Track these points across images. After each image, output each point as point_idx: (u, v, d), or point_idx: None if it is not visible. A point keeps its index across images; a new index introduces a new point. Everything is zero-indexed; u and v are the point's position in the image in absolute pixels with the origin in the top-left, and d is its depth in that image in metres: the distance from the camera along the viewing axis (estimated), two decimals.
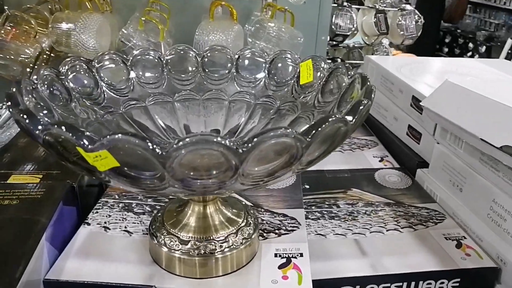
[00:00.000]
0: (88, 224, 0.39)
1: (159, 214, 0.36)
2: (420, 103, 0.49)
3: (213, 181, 0.23)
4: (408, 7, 1.25)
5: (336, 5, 1.19)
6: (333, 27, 1.15)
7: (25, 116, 0.23)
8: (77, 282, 0.32)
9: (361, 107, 0.25)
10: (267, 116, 0.40)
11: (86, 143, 0.21)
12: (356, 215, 0.44)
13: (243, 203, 0.39)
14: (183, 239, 0.33)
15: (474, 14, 3.24)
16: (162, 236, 0.34)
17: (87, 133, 0.21)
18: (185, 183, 0.23)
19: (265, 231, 0.38)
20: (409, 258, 0.38)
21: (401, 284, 0.37)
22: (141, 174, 0.23)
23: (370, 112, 0.67)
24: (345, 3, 1.20)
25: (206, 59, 0.44)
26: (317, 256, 0.37)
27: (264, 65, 0.43)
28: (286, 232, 0.38)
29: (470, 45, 2.98)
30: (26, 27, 0.75)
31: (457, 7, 2.99)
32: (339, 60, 1.16)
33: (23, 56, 0.73)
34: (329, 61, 1.16)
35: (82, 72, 0.38)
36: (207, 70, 0.44)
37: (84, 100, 0.37)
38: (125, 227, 0.39)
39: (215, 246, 0.33)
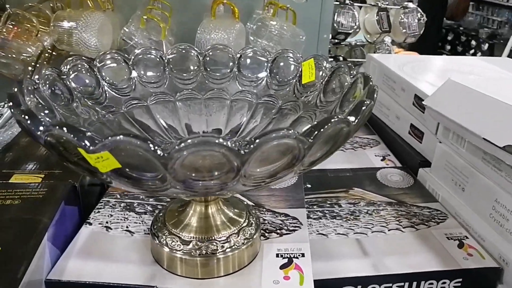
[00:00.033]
0: (90, 224, 0.39)
1: (161, 214, 0.36)
2: (423, 102, 0.48)
3: (215, 182, 0.23)
4: (410, 5, 1.24)
5: (338, 3, 1.19)
6: (335, 25, 1.15)
7: (26, 117, 0.23)
8: (78, 282, 0.32)
9: (363, 108, 0.25)
10: (269, 116, 0.40)
11: (88, 144, 0.21)
12: (358, 215, 0.44)
13: (245, 203, 0.39)
14: (184, 239, 0.33)
15: (477, 12, 3.23)
16: (164, 236, 0.34)
17: (89, 134, 0.21)
18: (187, 184, 0.23)
19: (267, 231, 0.38)
20: (410, 258, 0.38)
21: (402, 284, 0.37)
22: (143, 175, 0.23)
23: (372, 111, 0.67)
24: (347, 1, 1.19)
25: (207, 58, 0.44)
26: (319, 256, 0.37)
27: (266, 64, 0.43)
28: (287, 232, 0.38)
29: (473, 42, 2.97)
30: (28, 25, 0.75)
31: (459, 5, 2.98)
32: (341, 58, 1.16)
33: (25, 54, 0.73)
34: (331, 59, 1.16)
35: (84, 72, 0.38)
36: (208, 69, 0.44)
37: (85, 99, 0.37)
38: (127, 227, 0.39)
39: (217, 246, 0.33)
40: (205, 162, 0.22)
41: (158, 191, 0.24)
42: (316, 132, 0.22)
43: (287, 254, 0.35)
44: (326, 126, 0.22)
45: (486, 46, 2.86)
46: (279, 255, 0.35)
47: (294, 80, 0.41)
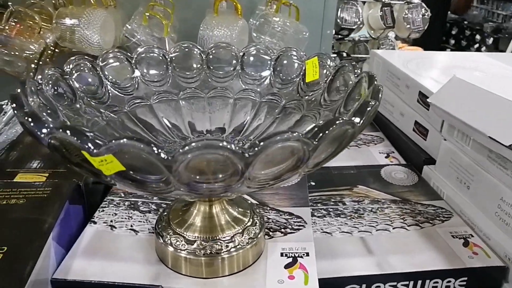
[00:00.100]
0: (95, 222, 0.39)
1: (165, 213, 0.36)
2: (427, 100, 0.48)
3: (219, 185, 0.23)
4: (414, 0, 1.23)
5: None
6: (338, 20, 1.14)
7: (29, 119, 0.23)
8: (84, 282, 0.32)
9: (368, 108, 0.25)
10: (273, 114, 0.40)
11: (92, 147, 0.21)
12: (362, 213, 0.44)
13: (249, 202, 0.39)
14: (189, 239, 0.33)
15: (481, 5, 3.20)
16: (168, 236, 0.34)
17: (92, 137, 0.21)
18: (191, 186, 0.23)
19: (271, 230, 0.38)
20: (415, 256, 0.38)
21: (407, 282, 0.37)
22: (147, 178, 0.23)
23: None
24: None
25: (211, 56, 0.43)
26: (323, 255, 0.37)
27: (269, 62, 0.43)
28: (292, 231, 0.38)
29: (477, 37, 2.95)
30: (30, 22, 0.75)
31: None
32: (344, 54, 1.15)
33: (27, 52, 0.73)
34: (334, 55, 1.16)
35: (87, 71, 0.38)
36: (212, 68, 0.43)
37: (88, 99, 0.37)
38: (131, 226, 0.39)
39: (221, 246, 0.33)
40: (209, 165, 0.22)
41: (162, 193, 0.24)
42: (321, 134, 0.22)
43: (292, 253, 0.35)
44: (331, 128, 0.22)
45: (490, 40, 2.83)
46: (284, 254, 0.35)
47: (298, 79, 0.41)
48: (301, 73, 0.41)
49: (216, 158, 0.21)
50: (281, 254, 0.35)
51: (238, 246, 0.33)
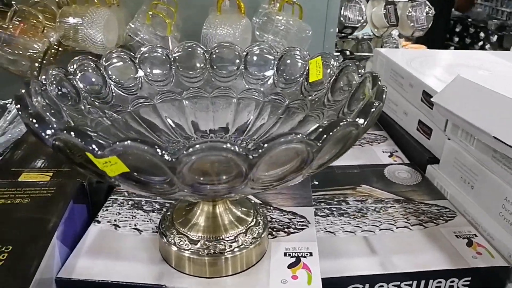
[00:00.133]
0: (98, 222, 0.39)
1: (169, 212, 0.36)
2: (431, 99, 0.48)
3: (223, 186, 0.23)
4: None
5: None
6: (342, 19, 1.14)
7: (34, 121, 0.23)
8: (88, 281, 0.32)
9: (372, 109, 0.25)
10: (276, 114, 0.40)
11: (96, 149, 0.21)
12: (366, 212, 0.44)
13: (252, 201, 0.39)
14: (192, 239, 0.33)
15: (486, 3, 3.17)
16: (172, 236, 0.34)
17: (96, 138, 0.21)
18: (195, 188, 0.23)
19: (274, 229, 0.38)
20: (419, 256, 0.38)
21: (410, 282, 0.37)
22: (151, 179, 0.23)
23: None
24: None
25: (214, 56, 0.43)
26: (326, 254, 0.37)
27: (273, 62, 0.43)
28: (295, 231, 0.38)
29: (481, 34, 2.93)
30: (34, 21, 0.75)
31: None
32: (347, 52, 1.15)
33: (31, 51, 0.73)
34: (337, 53, 1.15)
35: (90, 71, 0.38)
36: (215, 67, 0.43)
37: (92, 99, 0.37)
38: (135, 225, 0.39)
39: (225, 246, 0.33)
40: (213, 167, 0.22)
41: (166, 194, 0.24)
42: (325, 136, 0.22)
43: (295, 253, 0.35)
44: (335, 129, 0.22)
45: (495, 38, 2.81)
46: (287, 254, 0.35)
47: (301, 78, 0.41)
48: (305, 73, 0.41)
49: (220, 160, 0.21)
50: (285, 254, 0.35)
51: (241, 246, 0.33)
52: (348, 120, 0.23)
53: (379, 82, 0.30)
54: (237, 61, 0.43)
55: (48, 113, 0.29)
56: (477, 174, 0.43)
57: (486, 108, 0.41)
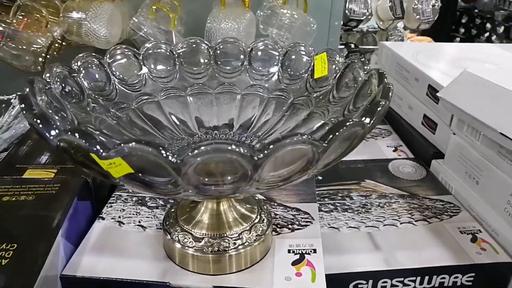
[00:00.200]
0: (103, 218, 0.39)
1: (173, 209, 0.36)
2: (437, 94, 0.47)
3: (227, 187, 0.23)
4: None
5: None
6: (346, 12, 1.12)
7: (38, 121, 0.23)
8: (92, 278, 0.33)
9: (379, 108, 0.25)
10: (281, 111, 0.40)
11: (100, 150, 0.21)
12: (370, 207, 0.44)
13: (256, 198, 0.39)
14: (196, 236, 0.33)
15: None
16: (176, 233, 0.34)
17: (100, 139, 0.21)
18: (200, 189, 0.23)
19: (278, 226, 0.38)
20: (423, 252, 0.38)
21: (414, 278, 0.37)
22: (155, 180, 0.23)
23: None
24: None
25: (218, 52, 0.43)
26: (330, 250, 0.37)
27: (277, 57, 0.42)
28: (299, 227, 0.38)
29: (488, 25, 2.89)
30: (38, 16, 0.75)
31: None
32: (352, 45, 1.14)
33: (35, 46, 0.73)
34: (342, 46, 1.14)
35: (94, 68, 0.38)
36: (219, 63, 0.43)
37: (96, 96, 0.37)
38: (139, 222, 0.39)
39: (229, 243, 0.33)
40: (218, 168, 0.22)
41: (170, 195, 0.24)
42: (331, 136, 0.22)
43: (299, 250, 0.35)
44: (341, 130, 0.22)
45: (501, 29, 2.77)
46: (291, 251, 0.35)
47: (306, 75, 0.40)
48: (310, 69, 0.40)
49: (225, 161, 0.21)
50: (289, 251, 0.35)
51: (245, 243, 0.33)
52: (354, 120, 0.23)
53: (385, 80, 0.30)
54: (242, 56, 0.43)
55: (51, 111, 0.29)
56: (482, 170, 0.43)
57: (493, 103, 0.41)
